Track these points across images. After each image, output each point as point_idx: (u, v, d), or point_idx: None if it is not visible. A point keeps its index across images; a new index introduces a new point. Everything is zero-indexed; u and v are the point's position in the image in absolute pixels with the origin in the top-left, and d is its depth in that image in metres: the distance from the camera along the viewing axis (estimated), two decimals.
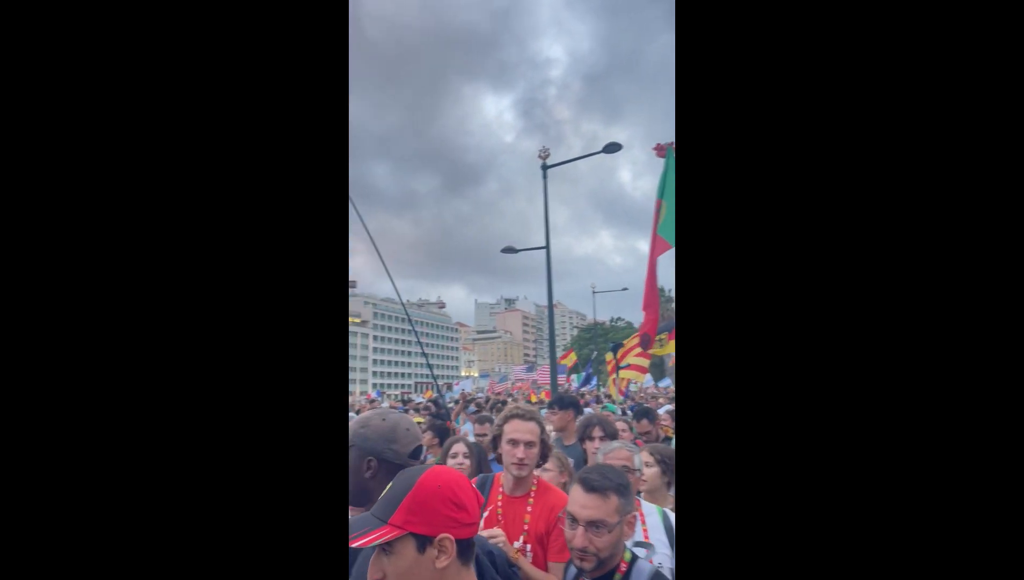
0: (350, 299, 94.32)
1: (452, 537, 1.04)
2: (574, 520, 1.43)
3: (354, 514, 1.26)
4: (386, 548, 1.02)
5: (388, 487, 1.08)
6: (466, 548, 1.07)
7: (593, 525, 1.40)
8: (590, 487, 1.44)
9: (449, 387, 19.20)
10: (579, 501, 1.44)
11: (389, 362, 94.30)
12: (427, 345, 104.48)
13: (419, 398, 15.58)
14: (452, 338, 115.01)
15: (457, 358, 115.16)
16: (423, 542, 1.02)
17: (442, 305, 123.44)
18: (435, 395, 8.62)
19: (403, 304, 5.41)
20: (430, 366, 6.25)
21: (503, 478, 2.13)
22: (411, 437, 1.45)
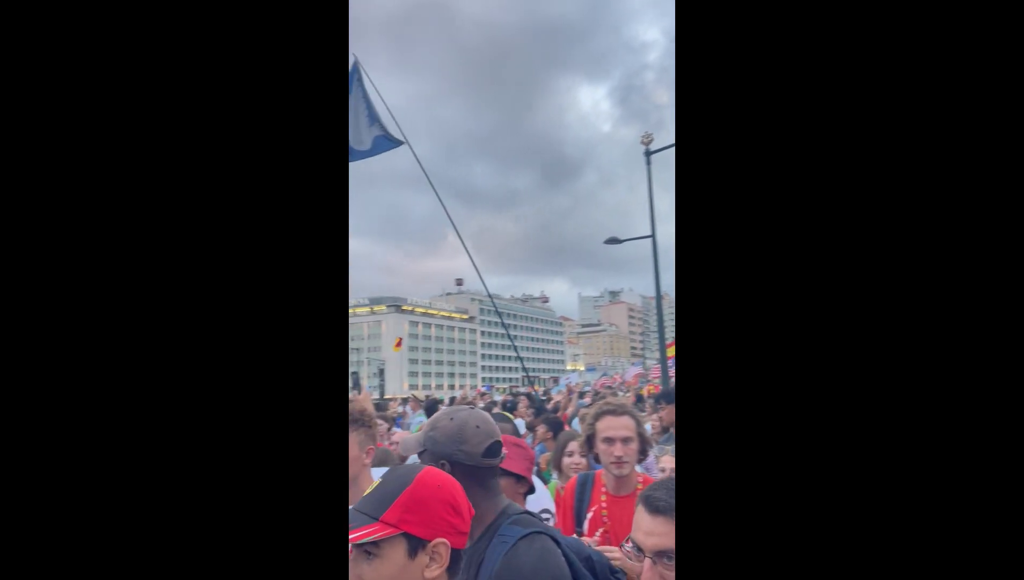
0: (458, 296, 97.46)
1: (448, 543, 0.95)
2: (640, 550, 1.15)
3: None
4: (371, 550, 0.91)
5: (377, 483, 0.99)
6: (456, 560, 0.97)
7: (663, 555, 1.10)
8: (654, 508, 1.14)
9: (555, 381, 19.31)
10: (643, 526, 1.15)
11: (497, 356, 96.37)
12: (532, 339, 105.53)
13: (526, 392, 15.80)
14: (556, 332, 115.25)
15: (562, 352, 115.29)
16: (415, 546, 0.93)
17: (545, 299, 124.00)
18: (529, 389, 8.64)
19: (491, 297, 5.49)
20: (520, 359, 6.31)
21: (605, 477, 2.04)
22: (482, 435, 1.34)
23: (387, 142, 4.93)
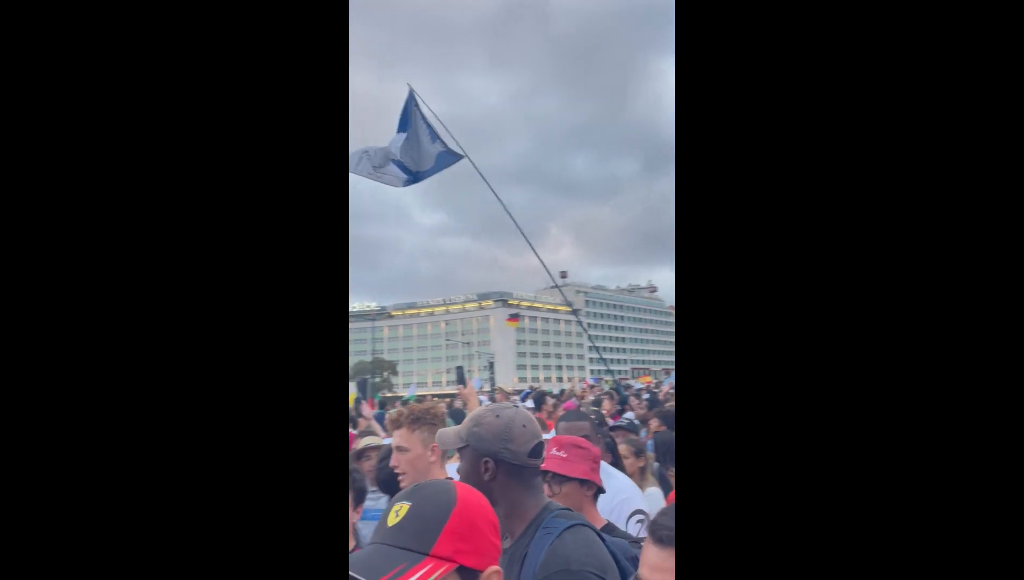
0: (562, 288, 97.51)
1: (500, 573, 0.82)
2: None
3: None
4: None
5: (404, 508, 0.82)
6: None
7: None
8: (659, 539, 1.00)
9: (667, 373, 18.77)
10: (649, 560, 1.01)
11: (605, 348, 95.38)
12: (640, 330, 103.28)
13: (638, 384, 15.49)
14: (666, 322, 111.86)
15: (673, 342, 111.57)
16: (469, 579, 0.79)
17: (653, 289, 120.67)
18: (613, 383, 8.34)
19: (559, 288, 5.48)
20: (597, 349, 6.16)
21: None
22: (528, 435, 1.32)
23: (450, 156, 5.25)
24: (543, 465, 1.70)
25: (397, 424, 1.95)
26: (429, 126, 5.23)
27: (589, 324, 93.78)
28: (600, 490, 1.87)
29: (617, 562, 1.24)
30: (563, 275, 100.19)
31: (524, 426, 1.33)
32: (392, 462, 1.95)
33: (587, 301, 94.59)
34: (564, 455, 1.81)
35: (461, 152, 5.29)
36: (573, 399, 8.85)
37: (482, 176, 5.28)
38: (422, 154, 5.18)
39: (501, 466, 1.29)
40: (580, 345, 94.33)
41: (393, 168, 5.09)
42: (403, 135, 5.11)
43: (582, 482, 1.80)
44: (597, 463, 1.89)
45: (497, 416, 1.34)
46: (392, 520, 0.81)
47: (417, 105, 5.24)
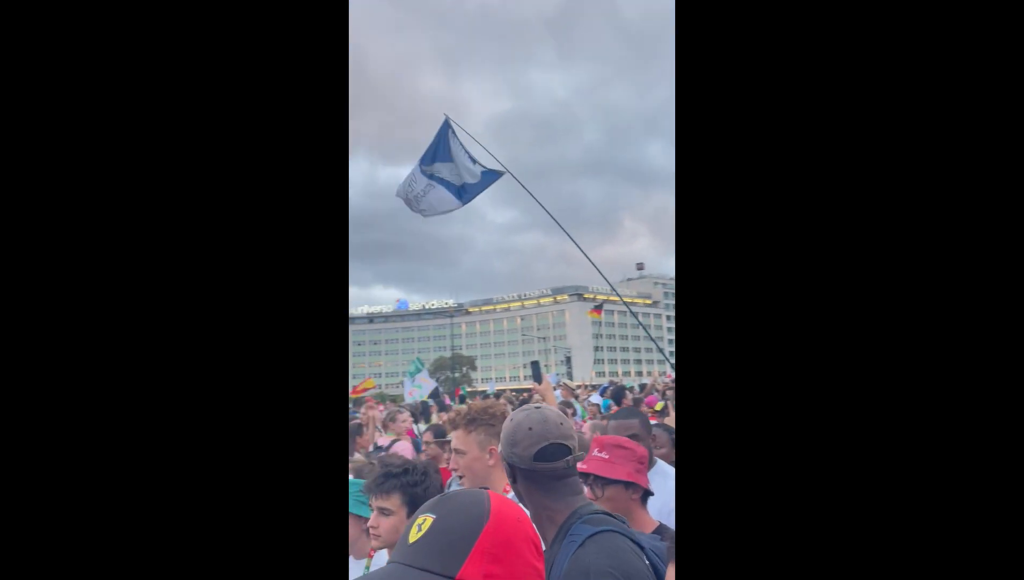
0: (639, 281, 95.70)
1: None
2: None
3: None
4: None
5: (428, 521, 0.70)
6: None
7: None
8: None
9: None
10: None
11: None
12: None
13: None
14: None
15: None
16: None
17: None
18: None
19: (614, 287, 5.58)
20: (653, 339, 6.12)
21: None
22: (534, 437, 1.27)
23: (492, 174, 5.51)
24: (584, 467, 1.65)
25: (454, 425, 1.91)
26: (467, 150, 5.45)
27: (669, 317, 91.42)
28: (648, 493, 1.75)
29: (654, 566, 1.20)
30: (639, 267, 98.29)
31: (530, 429, 1.28)
32: (451, 465, 1.90)
33: (665, 293, 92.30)
34: (606, 456, 1.72)
35: (502, 168, 5.50)
36: (655, 394, 8.59)
37: (524, 186, 5.50)
38: (462, 173, 5.46)
39: (516, 471, 1.30)
40: (659, 338, 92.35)
41: (439, 192, 5.29)
42: (424, 167, 5.39)
43: (627, 485, 1.70)
44: (643, 464, 1.77)
45: (511, 419, 1.34)
46: (414, 535, 0.69)
47: (453, 132, 5.46)
